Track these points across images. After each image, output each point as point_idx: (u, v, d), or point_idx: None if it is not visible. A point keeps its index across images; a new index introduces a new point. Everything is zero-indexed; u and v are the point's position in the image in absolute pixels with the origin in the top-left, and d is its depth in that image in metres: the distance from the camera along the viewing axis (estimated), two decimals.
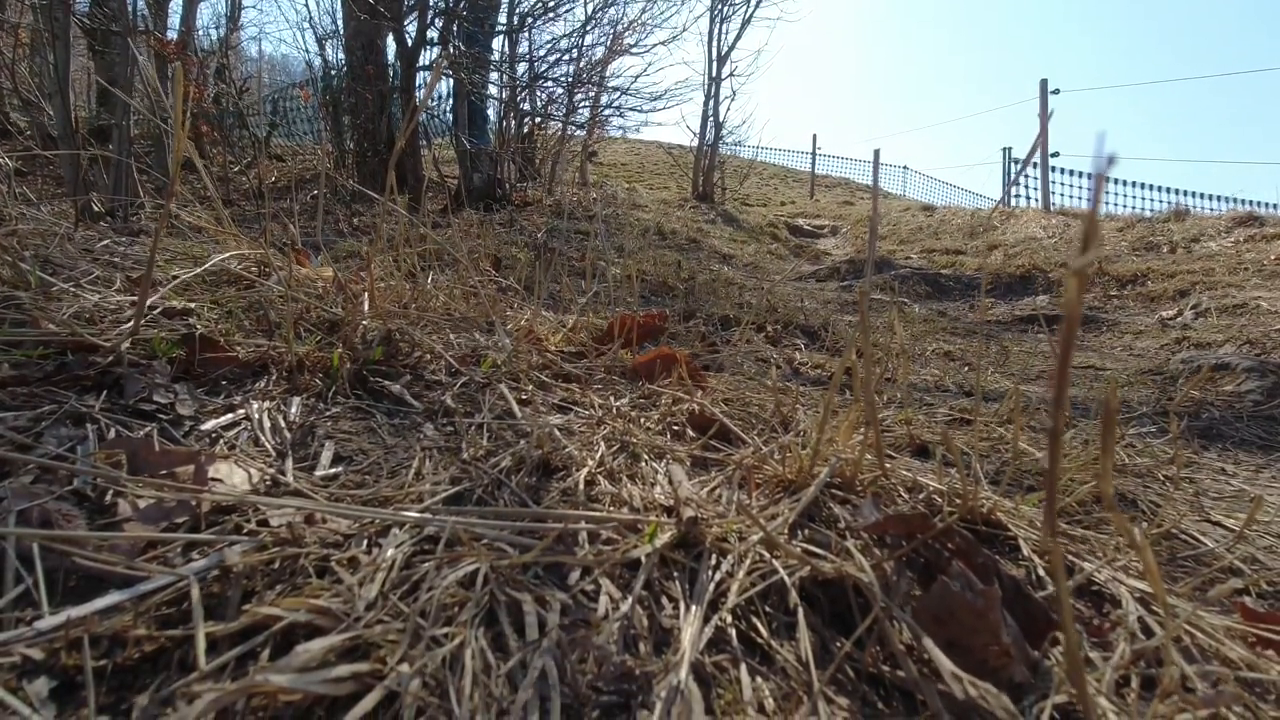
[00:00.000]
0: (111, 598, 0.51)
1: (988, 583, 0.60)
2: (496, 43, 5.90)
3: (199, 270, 1.22)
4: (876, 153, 0.78)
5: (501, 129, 5.90)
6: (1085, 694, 0.40)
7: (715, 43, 8.18)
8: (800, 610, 0.60)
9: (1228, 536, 0.96)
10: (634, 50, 6.91)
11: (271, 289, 1.25)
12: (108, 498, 0.63)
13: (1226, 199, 8.40)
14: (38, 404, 0.76)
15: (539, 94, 6.25)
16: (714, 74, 8.19)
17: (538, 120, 6.32)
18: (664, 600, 0.61)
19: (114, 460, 0.68)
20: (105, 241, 1.55)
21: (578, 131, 6.87)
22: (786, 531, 0.72)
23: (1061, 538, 0.82)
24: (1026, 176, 8.45)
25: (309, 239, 2.71)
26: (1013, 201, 8.23)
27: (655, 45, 11.06)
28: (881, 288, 3.93)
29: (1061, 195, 8.41)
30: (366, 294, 1.21)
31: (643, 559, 0.63)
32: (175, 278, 1.19)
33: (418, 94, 4.92)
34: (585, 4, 6.61)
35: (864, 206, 9.57)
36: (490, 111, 6.32)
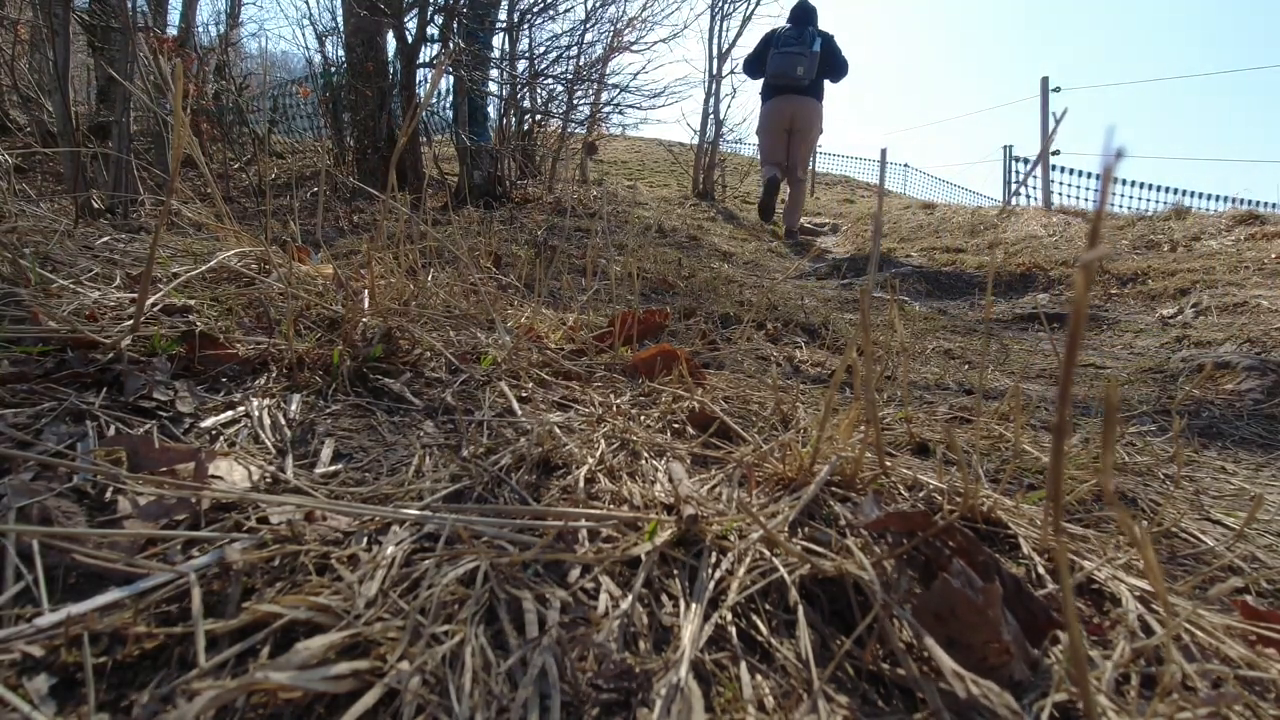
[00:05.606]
0: (111, 595, 0.51)
1: (988, 580, 0.60)
2: (496, 40, 5.89)
3: (200, 268, 1.22)
4: (883, 151, 0.78)
5: (502, 126, 5.89)
6: (1087, 692, 0.40)
7: (716, 40, 8.16)
8: (800, 608, 0.60)
9: (1228, 535, 0.96)
10: (634, 48, 6.90)
11: (272, 286, 1.24)
12: (108, 495, 0.63)
13: (1227, 199, 8.39)
14: (38, 401, 0.76)
15: (539, 91, 6.24)
16: (715, 71, 8.17)
17: (538, 117, 6.31)
18: (664, 598, 0.61)
19: (114, 457, 0.68)
20: (105, 238, 1.55)
21: (578, 129, 6.86)
22: (786, 529, 0.72)
23: (1062, 536, 0.82)
24: (1031, 176, 8.44)
25: (309, 236, 2.71)
26: (1014, 200, 8.22)
27: (655, 43, 11.03)
28: (882, 285, 3.93)
29: (1062, 193, 8.40)
30: (367, 291, 1.21)
31: (643, 557, 0.63)
32: (175, 275, 1.19)
33: (418, 91, 4.92)
34: (585, 1, 6.61)
35: (864, 204, 9.56)
36: (490, 109, 6.32)
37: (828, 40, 5.57)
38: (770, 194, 5.99)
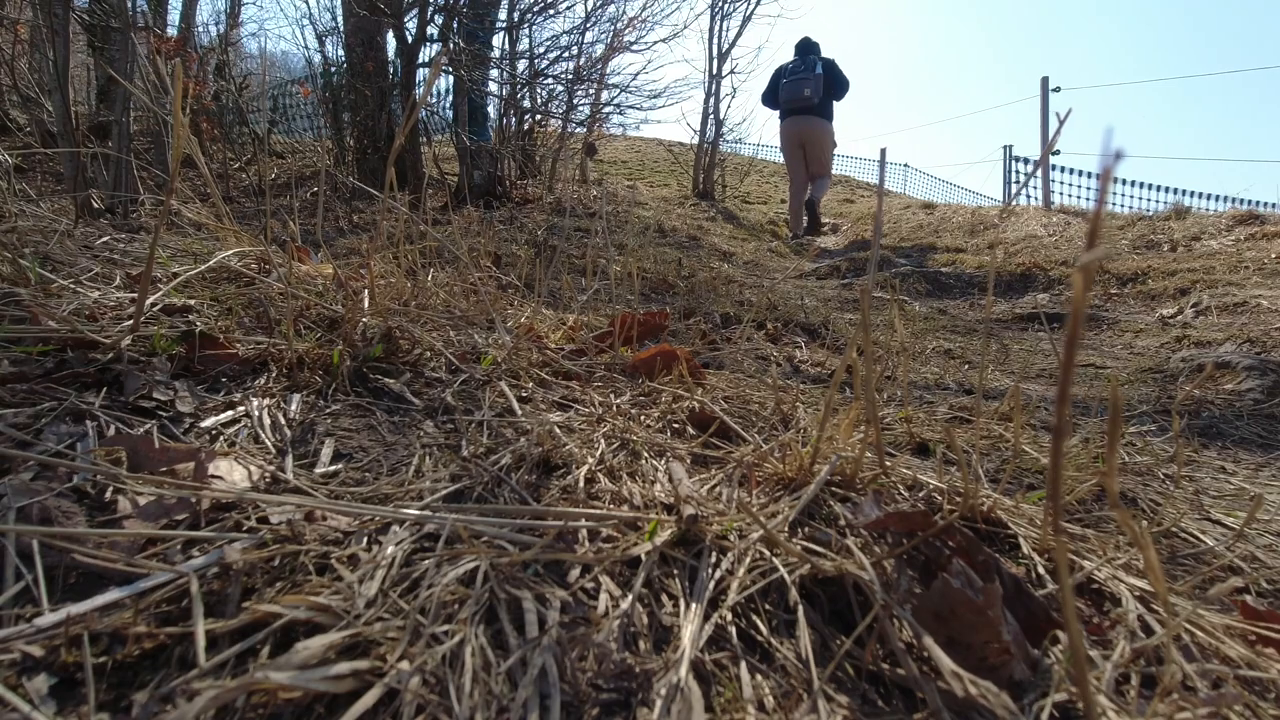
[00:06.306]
0: (111, 594, 0.51)
1: (988, 580, 0.60)
2: (496, 39, 5.89)
3: (200, 268, 1.22)
4: (883, 151, 0.78)
5: (502, 126, 5.89)
6: (1087, 692, 0.40)
7: (716, 40, 8.16)
8: (800, 608, 0.60)
9: (1228, 535, 0.96)
10: (634, 48, 6.92)
11: (271, 286, 1.24)
12: (107, 495, 0.63)
13: (1227, 199, 8.38)
14: (37, 401, 0.76)
15: (539, 91, 6.24)
16: (714, 71, 8.17)
17: (538, 117, 6.31)
18: (664, 598, 0.61)
19: (114, 457, 0.68)
20: (105, 238, 1.55)
21: (578, 129, 6.86)
22: (786, 529, 0.72)
23: (1062, 535, 0.82)
24: (1032, 177, 8.45)
25: (309, 236, 2.71)
26: (1014, 200, 8.23)
27: (656, 43, 11.03)
28: (882, 286, 3.93)
29: (1062, 193, 8.40)
30: (367, 291, 1.21)
31: (643, 557, 0.63)
32: (175, 274, 1.19)
33: (418, 91, 4.91)
34: (585, 1, 6.62)
35: (864, 204, 9.57)
36: (490, 108, 6.32)
37: (829, 64, 6.38)
38: (796, 216, 6.83)
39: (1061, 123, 0.87)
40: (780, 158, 7.38)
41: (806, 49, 6.45)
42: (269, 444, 0.80)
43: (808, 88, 6.26)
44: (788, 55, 6.64)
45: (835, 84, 6.39)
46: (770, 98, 6.69)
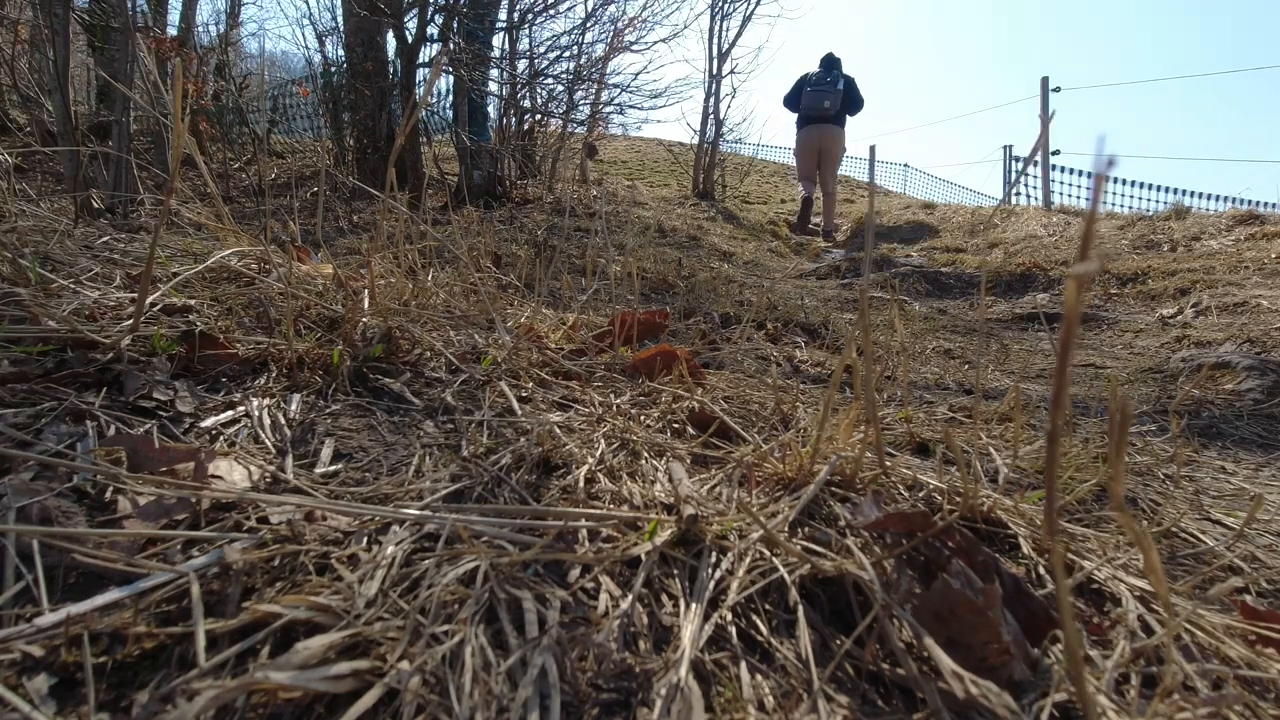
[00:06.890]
0: (111, 594, 0.51)
1: (988, 580, 0.60)
2: (497, 39, 5.89)
3: (200, 267, 1.22)
4: (872, 149, 0.78)
5: (502, 126, 5.89)
6: (1085, 692, 0.40)
7: (716, 40, 8.16)
8: (800, 608, 0.60)
9: (1228, 535, 0.96)
10: (634, 48, 6.96)
11: (271, 286, 1.24)
12: (107, 495, 0.63)
13: (1227, 199, 8.39)
14: (37, 401, 0.76)
15: (539, 91, 6.24)
16: (714, 71, 8.17)
17: (538, 117, 6.32)
18: (664, 598, 0.61)
19: (114, 457, 0.68)
20: (105, 238, 1.55)
21: (578, 129, 6.88)
22: (786, 529, 0.72)
23: (1061, 536, 0.82)
24: (1026, 175, 8.46)
25: (309, 235, 2.71)
26: (1013, 200, 8.24)
27: (656, 43, 11.06)
28: (882, 286, 3.93)
29: (1062, 193, 8.40)
30: (367, 291, 1.21)
31: (643, 556, 0.63)
32: (175, 274, 1.19)
33: (418, 90, 4.92)
34: (585, 1, 6.64)
35: (864, 204, 9.57)
36: (490, 108, 6.32)
37: (849, 81, 7.13)
38: (805, 209, 7.52)
39: (1046, 124, 0.87)
40: (782, 157, 7.66)
41: (830, 64, 7.13)
42: (269, 444, 0.80)
43: (828, 100, 7.02)
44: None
45: (852, 101, 7.17)
46: (792, 102, 7.35)
